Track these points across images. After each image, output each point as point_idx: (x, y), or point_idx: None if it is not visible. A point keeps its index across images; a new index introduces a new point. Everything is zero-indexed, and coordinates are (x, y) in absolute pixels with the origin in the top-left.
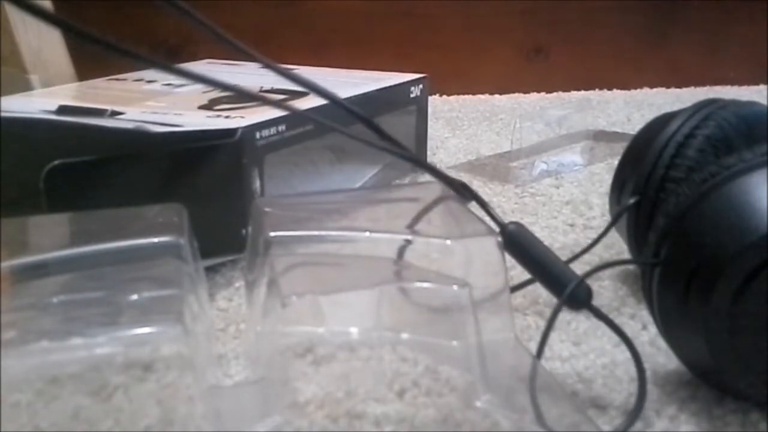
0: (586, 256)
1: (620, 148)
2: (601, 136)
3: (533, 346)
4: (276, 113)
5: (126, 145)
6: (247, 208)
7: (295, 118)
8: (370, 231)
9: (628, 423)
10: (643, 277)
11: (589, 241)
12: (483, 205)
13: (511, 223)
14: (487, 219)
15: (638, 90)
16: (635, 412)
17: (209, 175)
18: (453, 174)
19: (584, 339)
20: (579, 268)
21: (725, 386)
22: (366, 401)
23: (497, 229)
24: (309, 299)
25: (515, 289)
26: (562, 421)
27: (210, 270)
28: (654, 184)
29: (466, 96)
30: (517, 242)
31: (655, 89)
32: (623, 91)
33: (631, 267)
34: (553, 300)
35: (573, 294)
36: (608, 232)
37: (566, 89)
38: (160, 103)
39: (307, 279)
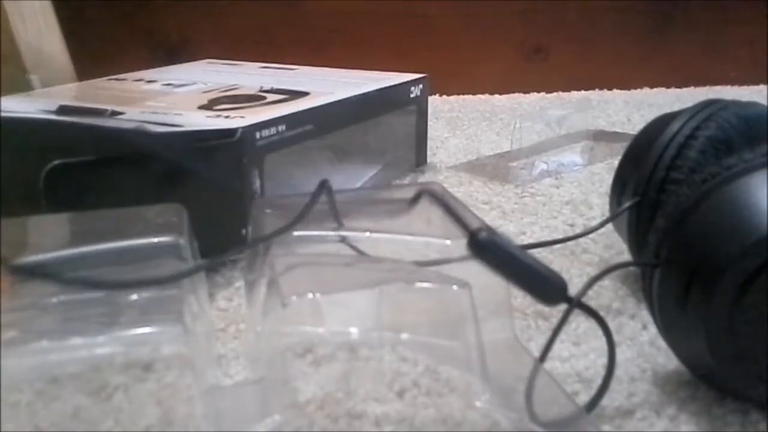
0: (586, 257)
1: (620, 148)
2: (601, 136)
3: (533, 346)
4: (276, 113)
5: (126, 145)
6: (247, 208)
7: (295, 117)
8: (370, 231)
9: (597, 396)
10: (643, 278)
11: (589, 241)
12: (449, 211)
13: (480, 229)
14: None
15: (638, 90)
16: (603, 386)
17: (209, 175)
18: (453, 174)
19: (584, 339)
20: (579, 268)
21: (725, 386)
22: (366, 401)
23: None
24: (309, 299)
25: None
26: (561, 420)
27: (210, 270)
28: (655, 185)
29: (466, 96)
30: (488, 251)
31: (655, 89)
32: (623, 91)
33: (631, 267)
34: None
35: (547, 291)
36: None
37: (566, 89)
38: (160, 103)
39: (307, 279)
